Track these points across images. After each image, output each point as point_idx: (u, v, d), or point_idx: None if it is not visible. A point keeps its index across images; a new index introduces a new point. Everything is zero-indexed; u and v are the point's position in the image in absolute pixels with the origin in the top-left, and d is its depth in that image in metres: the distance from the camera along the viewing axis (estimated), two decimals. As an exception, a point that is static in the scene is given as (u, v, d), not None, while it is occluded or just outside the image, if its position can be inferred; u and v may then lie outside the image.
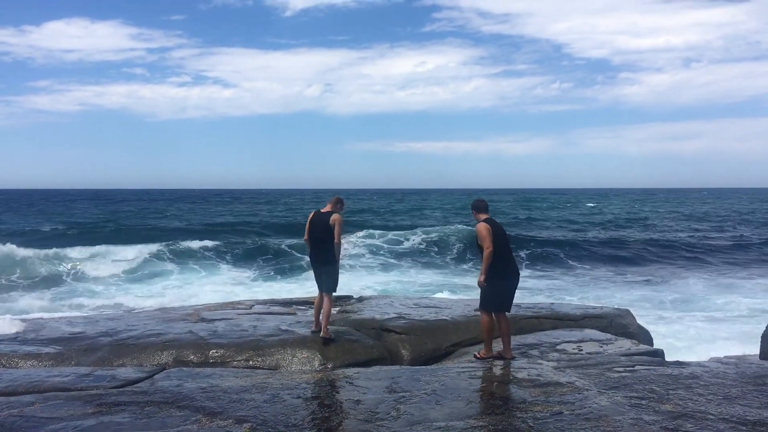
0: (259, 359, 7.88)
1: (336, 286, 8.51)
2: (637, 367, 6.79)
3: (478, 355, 7.62)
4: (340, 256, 8.53)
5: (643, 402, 5.46)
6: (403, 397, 5.75)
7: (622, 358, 7.49)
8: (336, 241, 8.27)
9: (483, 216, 7.56)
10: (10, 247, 22.91)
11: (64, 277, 21.54)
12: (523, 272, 19.09)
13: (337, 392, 6.08)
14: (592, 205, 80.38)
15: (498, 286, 7.40)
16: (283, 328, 8.93)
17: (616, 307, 12.77)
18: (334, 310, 10.24)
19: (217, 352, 7.98)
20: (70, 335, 8.88)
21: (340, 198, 8.70)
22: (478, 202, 7.72)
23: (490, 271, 7.34)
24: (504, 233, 7.66)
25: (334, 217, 8.29)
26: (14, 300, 17.23)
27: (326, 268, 8.44)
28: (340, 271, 8.70)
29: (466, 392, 5.97)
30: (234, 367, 7.64)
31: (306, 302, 11.61)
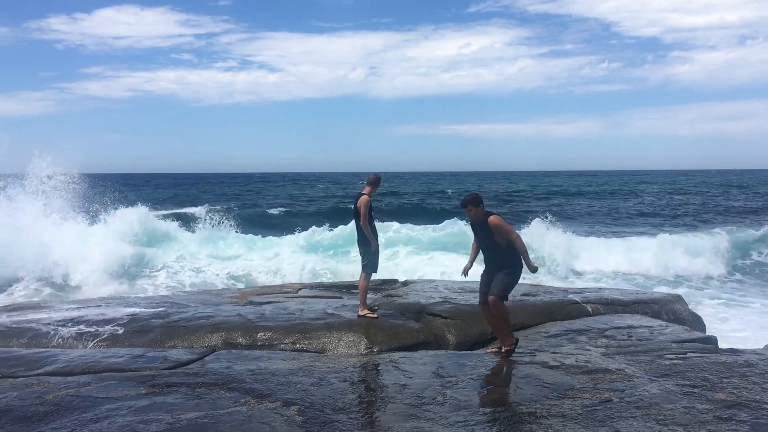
0: (306, 342, 7.96)
1: (372, 267, 8.55)
2: (689, 355, 6.63)
3: (504, 349, 6.92)
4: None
5: (696, 390, 5.33)
6: (450, 382, 5.75)
7: (674, 345, 7.30)
8: (362, 223, 8.35)
9: (485, 210, 6.98)
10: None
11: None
12: None
13: (383, 376, 6.11)
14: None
15: (518, 276, 6.99)
16: (329, 311, 9.00)
17: (667, 292, 12.49)
18: (375, 295, 10.29)
19: (264, 335, 8.09)
20: (125, 316, 9.14)
21: (373, 176, 8.66)
22: (477, 197, 7.04)
23: (516, 262, 6.93)
24: None
25: (360, 201, 8.40)
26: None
27: (361, 248, 8.62)
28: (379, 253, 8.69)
29: (512, 378, 5.93)
30: (281, 349, 7.74)
31: (353, 286, 11.67)
